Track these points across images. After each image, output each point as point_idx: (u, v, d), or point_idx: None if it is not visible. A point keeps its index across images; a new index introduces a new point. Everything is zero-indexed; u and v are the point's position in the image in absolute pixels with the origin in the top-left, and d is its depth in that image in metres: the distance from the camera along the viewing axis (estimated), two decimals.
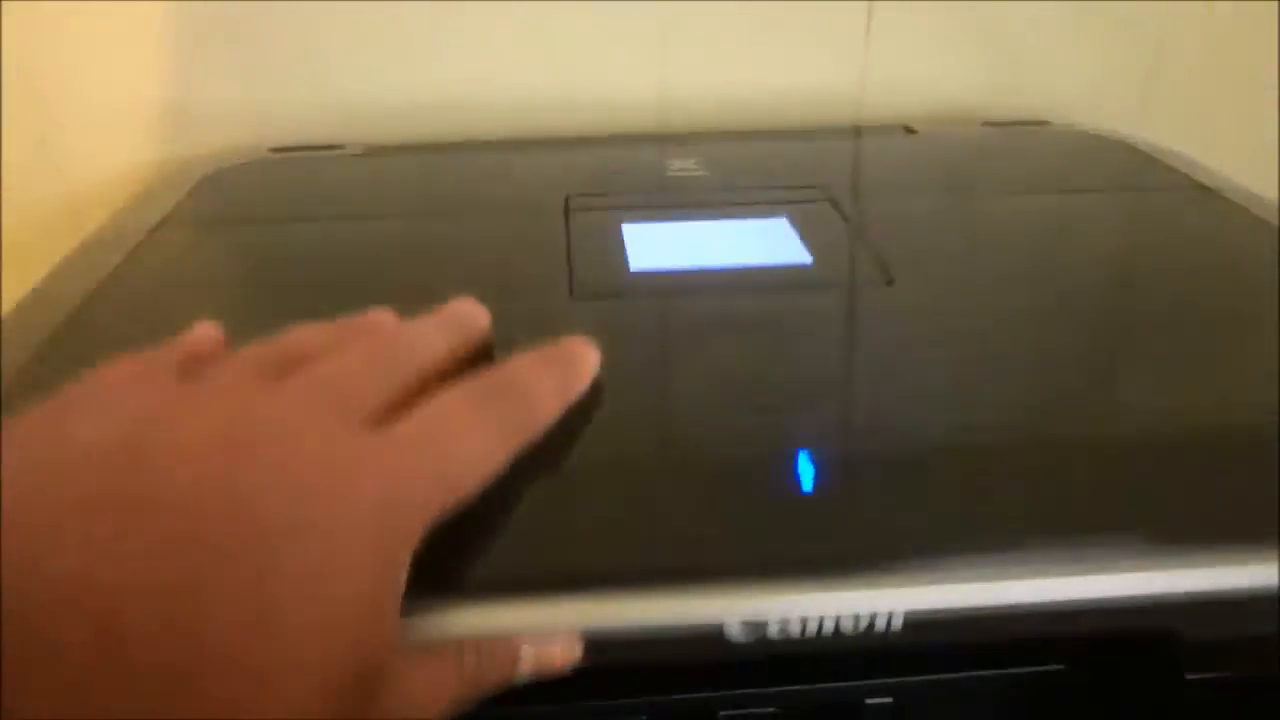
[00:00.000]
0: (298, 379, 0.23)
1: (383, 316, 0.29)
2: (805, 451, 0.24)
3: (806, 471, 0.24)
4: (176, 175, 0.47)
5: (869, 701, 0.26)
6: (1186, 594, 0.23)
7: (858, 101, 0.54)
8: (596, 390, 0.27)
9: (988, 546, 0.22)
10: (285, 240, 0.39)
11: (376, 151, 0.49)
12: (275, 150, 0.51)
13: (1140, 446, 0.25)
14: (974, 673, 0.27)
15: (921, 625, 0.22)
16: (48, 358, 0.30)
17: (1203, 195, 0.41)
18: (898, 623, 0.22)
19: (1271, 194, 0.57)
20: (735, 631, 0.22)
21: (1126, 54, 0.55)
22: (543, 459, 0.24)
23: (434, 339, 0.27)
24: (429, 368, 0.26)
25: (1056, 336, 0.30)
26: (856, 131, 0.52)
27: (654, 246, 0.36)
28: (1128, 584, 0.22)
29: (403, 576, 0.21)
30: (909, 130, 0.50)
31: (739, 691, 0.26)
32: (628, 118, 0.53)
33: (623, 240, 0.37)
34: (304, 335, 0.26)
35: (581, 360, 0.27)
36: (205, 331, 0.28)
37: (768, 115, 0.54)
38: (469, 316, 0.29)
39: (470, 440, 0.23)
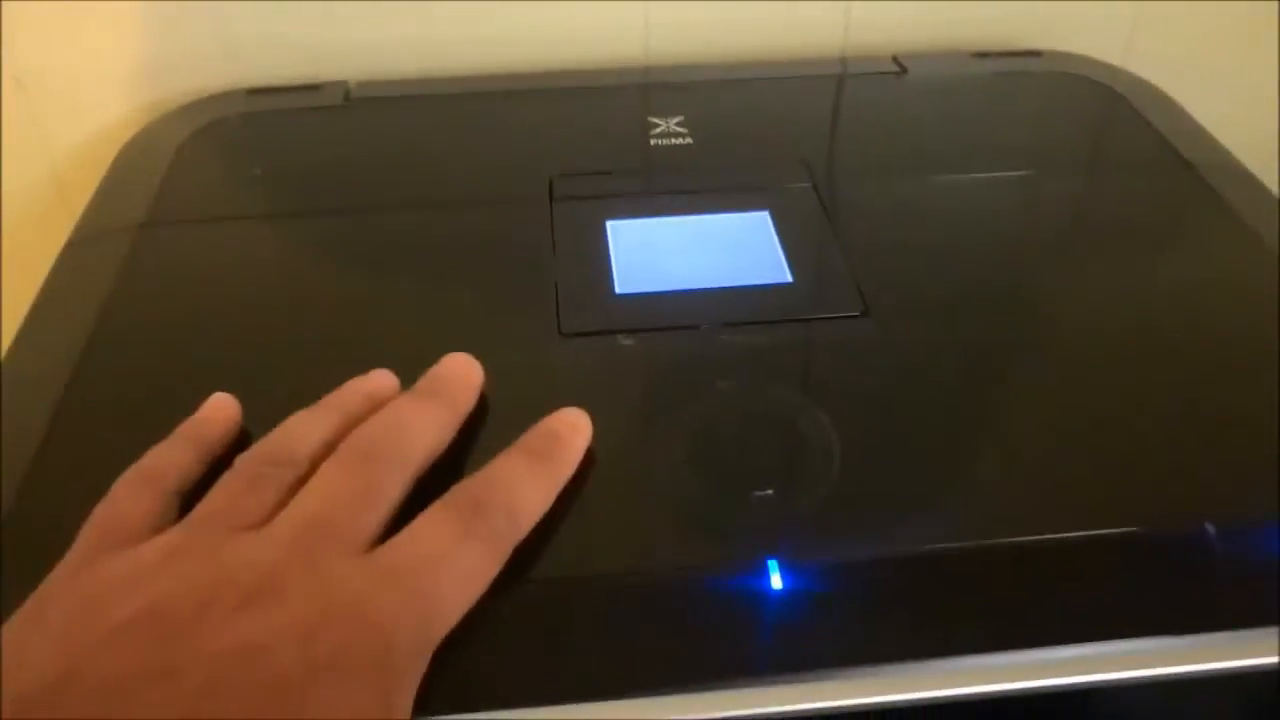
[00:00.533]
0: (294, 517, 0.25)
1: (381, 384, 0.30)
2: (774, 560, 0.27)
3: (775, 577, 0.26)
4: (152, 139, 0.46)
5: None
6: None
7: (845, 21, 0.53)
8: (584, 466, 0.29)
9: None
10: (258, 243, 0.40)
11: (356, 103, 0.48)
12: (252, 92, 0.50)
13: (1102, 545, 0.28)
14: None
15: None
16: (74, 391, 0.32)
17: (1174, 169, 0.42)
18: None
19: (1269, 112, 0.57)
20: None
21: None
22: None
23: (427, 433, 0.28)
24: (422, 466, 0.28)
25: (1027, 401, 0.32)
26: (843, 69, 0.50)
27: (638, 256, 0.37)
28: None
29: (409, 706, 0.24)
30: (899, 67, 0.49)
31: None
32: (615, 47, 0.52)
33: (608, 248, 0.38)
34: (297, 435, 0.28)
35: (568, 448, 0.29)
36: (219, 410, 0.30)
37: (755, 39, 0.52)
38: (464, 383, 0.31)
39: (458, 568, 0.25)
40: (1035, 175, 0.42)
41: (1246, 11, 0.56)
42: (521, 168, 0.43)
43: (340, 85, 0.49)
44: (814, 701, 0.25)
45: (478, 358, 0.32)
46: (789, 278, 0.36)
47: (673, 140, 0.44)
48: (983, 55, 0.51)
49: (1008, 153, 0.43)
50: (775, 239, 0.38)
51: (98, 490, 0.27)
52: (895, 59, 0.50)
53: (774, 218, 0.39)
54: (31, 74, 0.52)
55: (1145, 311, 0.36)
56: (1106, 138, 0.45)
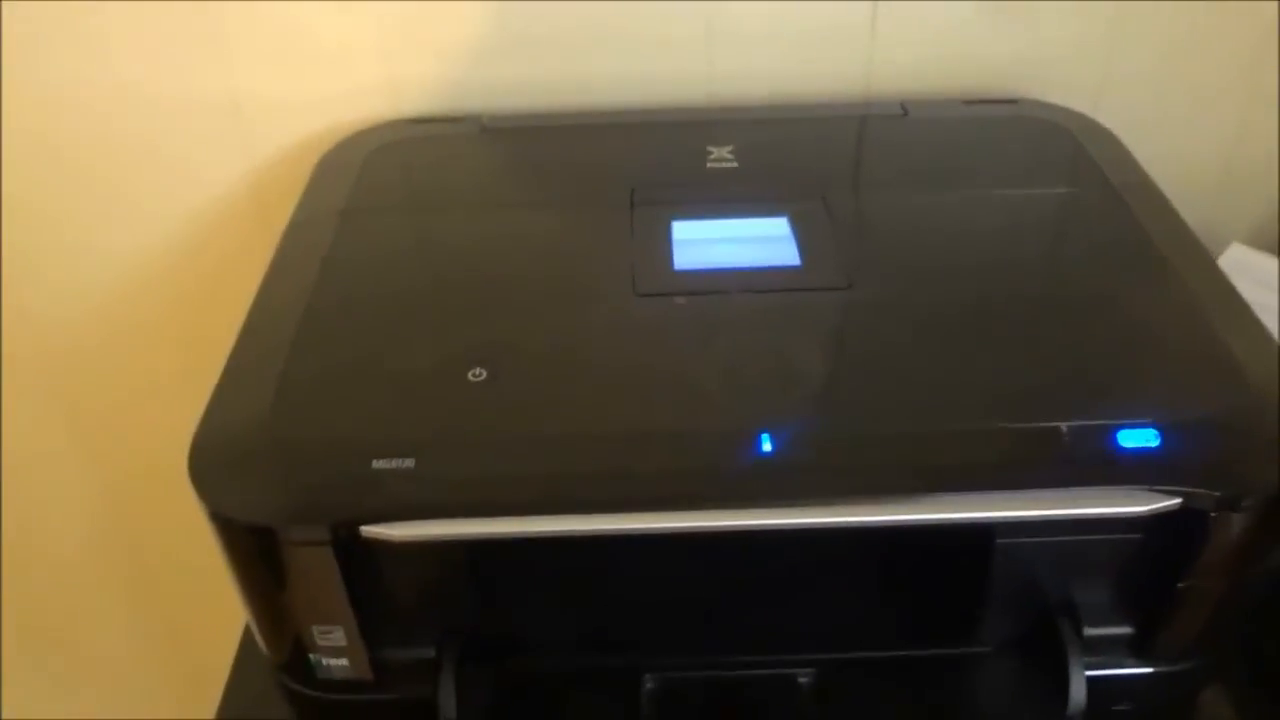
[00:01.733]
0: None
1: None
2: (765, 431, 0.41)
3: (765, 441, 0.41)
4: (345, 153, 0.63)
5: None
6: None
7: (867, 76, 0.67)
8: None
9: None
10: (424, 226, 0.56)
11: (490, 131, 0.64)
12: (412, 121, 0.66)
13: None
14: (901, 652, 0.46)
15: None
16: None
17: (1099, 189, 0.56)
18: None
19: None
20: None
21: (1087, 30, 0.66)
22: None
23: None
24: None
25: (948, 337, 0.47)
26: (857, 112, 0.65)
27: (692, 244, 0.53)
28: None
29: None
30: (902, 110, 0.64)
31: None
32: (685, 90, 0.67)
33: (671, 238, 0.53)
34: None
35: None
36: None
37: (793, 86, 0.67)
38: None
39: None
40: (991, 192, 0.56)
41: (1198, 67, 0.69)
42: (611, 180, 0.58)
43: (476, 118, 0.66)
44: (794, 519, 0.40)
45: (581, 307, 0.48)
46: (798, 262, 0.51)
47: (723, 164, 0.59)
48: (970, 102, 0.65)
49: (974, 176, 0.58)
50: (790, 234, 0.53)
51: (329, 397, 0.44)
52: (901, 104, 0.64)
53: (791, 221, 0.54)
54: (246, 102, 0.69)
55: (1060, 287, 0.50)
56: (1052, 164, 0.59)
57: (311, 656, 0.46)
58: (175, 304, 0.76)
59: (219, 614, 0.56)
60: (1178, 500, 0.40)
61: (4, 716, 0.98)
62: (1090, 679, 0.45)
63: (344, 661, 0.46)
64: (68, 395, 0.81)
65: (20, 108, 0.68)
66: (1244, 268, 0.67)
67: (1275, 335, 0.46)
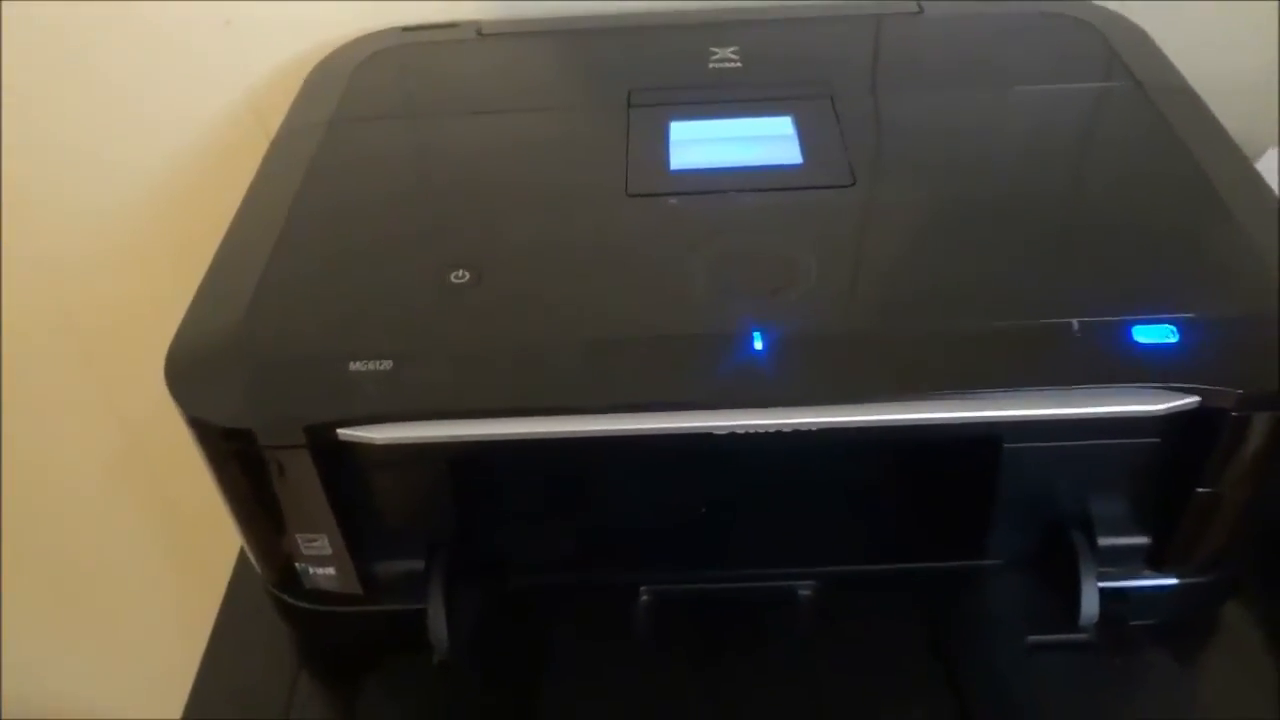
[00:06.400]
0: None
1: None
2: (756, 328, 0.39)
3: (757, 338, 0.39)
4: (335, 63, 0.61)
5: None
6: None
7: None
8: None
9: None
10: (414, 132, 0.54)
11: (486, 37, 0.62)
12: (405, 29, 0.64)
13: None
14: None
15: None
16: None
17: (1124, 86, 0.52)
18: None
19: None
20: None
21: None
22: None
23: None
24: None
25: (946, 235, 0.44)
26: (869, 10, 0.62)
27: (691, 144, 0.50)
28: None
29: None
30: (918, 7, 0.60)
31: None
32: None
33: (668, 138, 0.51)
34: None
35: None
36: None
37: None
38: None
39: None
40: (1008, 91, 0.53)
41: None
42: (609, 83, 0.56)
43: (474, 24, 0.63)
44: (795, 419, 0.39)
45: (571, 209, 0.46)
46: (800, 160, 0.48)
47: (726, 64, 0.56)
48: None
49: (990, 74, 0.55)
50: (794, 134, 0.50)
51: (307, 301, 0.43)
52: (917, 1, 0.61)
53: (795, 120, 0.51)
54: (238, 17, 0.67)
55: (1077, 185, 0.47)
56: (1076, 62, 0.55)
57: (298, 566, 0.45)
58: (177, 220, 0.74)
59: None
60: (1195, 399, 0.38)
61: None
62: (1104, 590, 0.43)
63: (330, 570, 0.45)
64: (71, 309, 0.80)
65: (21, 31, 0.67)
66: None
67: None
